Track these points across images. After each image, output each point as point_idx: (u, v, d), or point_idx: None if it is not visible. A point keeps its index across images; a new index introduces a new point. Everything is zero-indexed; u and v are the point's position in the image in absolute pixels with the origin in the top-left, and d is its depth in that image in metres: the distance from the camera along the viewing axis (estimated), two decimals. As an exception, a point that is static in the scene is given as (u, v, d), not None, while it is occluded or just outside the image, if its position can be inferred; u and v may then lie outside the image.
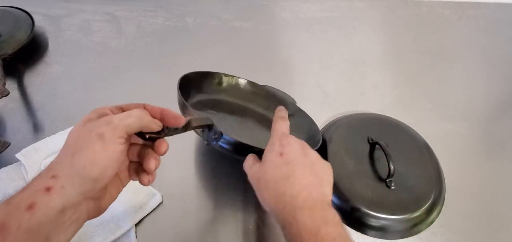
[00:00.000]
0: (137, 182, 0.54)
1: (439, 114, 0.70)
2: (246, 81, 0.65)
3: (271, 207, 0.37)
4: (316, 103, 0.71)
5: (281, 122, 0.43)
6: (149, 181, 0.37)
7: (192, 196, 0.56)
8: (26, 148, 0.56)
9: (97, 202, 0.34)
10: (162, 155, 0.37)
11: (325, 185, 0.37)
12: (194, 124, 0.39)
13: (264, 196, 0.38)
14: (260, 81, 0.62)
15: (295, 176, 0.36)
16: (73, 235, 0.32)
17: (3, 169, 0.55)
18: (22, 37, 0.74)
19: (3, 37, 0.73)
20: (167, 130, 0.36)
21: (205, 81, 0.61)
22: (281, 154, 0.37)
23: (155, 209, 0.53)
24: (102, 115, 0.33)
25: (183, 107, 0.49)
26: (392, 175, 0.54)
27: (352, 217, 0.53)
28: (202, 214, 0.54)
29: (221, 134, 0.43)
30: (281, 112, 0.45)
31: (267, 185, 0.37)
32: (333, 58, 0.81)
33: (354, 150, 0.60)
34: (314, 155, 0.40)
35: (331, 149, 0.59)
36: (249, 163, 0.41)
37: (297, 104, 0.63)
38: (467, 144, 0.67)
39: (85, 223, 0.49)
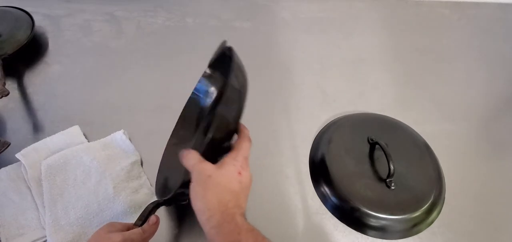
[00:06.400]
0: (136, 182, 0.55)
1: (439, 114, 0.70)
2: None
3: (209, 205, 0.41)
4: (316, 103, 0.71)
5: (248, 143, 0.47)
6: None
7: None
8: (26, 148, 0.56)
9: None
10: None
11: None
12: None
13: (207, 194, 0.41)
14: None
15: (240, 195, 0.44)
16: None
17: (3, 169, 0.55)
18: (22, 37, 0.74)
19: (3, 37, 0.73)
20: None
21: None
22: (239, 173, 0.44)
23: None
24: (118, 230, 0.43)
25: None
26: (392, 175, 0.54)
27: (352, 217, 0.54)
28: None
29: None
30: (247, 132, 0.49)
31: (216, 187, 0.42)
32: (333, 58, 0.81)
33: (354, 150, 0.59)
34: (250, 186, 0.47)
35: (331, 149, 0.59)
36: (196, 157, 0.43)
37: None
38: (467, 144, 0.67)
39: (84, 224, 0.50)
